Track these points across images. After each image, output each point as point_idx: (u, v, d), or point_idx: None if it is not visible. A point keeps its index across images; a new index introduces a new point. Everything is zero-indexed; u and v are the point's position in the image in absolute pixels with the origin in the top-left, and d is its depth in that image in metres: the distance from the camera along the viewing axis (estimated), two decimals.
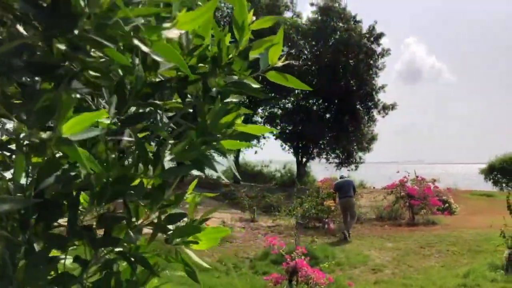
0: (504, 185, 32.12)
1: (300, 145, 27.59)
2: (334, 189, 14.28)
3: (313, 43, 26.22)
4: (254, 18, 1.44)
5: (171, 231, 1.43)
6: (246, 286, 8.26)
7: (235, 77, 1.44)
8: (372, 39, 25.64)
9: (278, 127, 27.75)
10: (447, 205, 18.21)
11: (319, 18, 25.62)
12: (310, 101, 27.08)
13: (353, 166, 28.15)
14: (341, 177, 14.92)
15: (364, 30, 25.79)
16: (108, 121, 1.21)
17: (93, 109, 1.27)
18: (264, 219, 16.24)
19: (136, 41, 1.15)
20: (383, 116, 27.29)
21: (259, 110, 27.73)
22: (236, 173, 1.67)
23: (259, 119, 28.02)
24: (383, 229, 15.03)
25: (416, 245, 12.20)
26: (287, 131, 27.66)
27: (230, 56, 1.41)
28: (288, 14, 25.74)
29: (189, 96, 1.43)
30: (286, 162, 30.08)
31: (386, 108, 26.77)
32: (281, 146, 28.27)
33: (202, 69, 1.41)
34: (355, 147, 27.42)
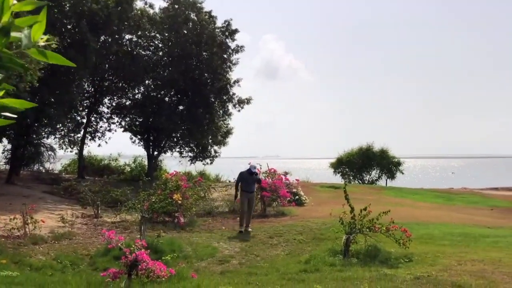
0: (351, 177, 34.52)
1: (151, 138, 26.49)
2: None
3: (165, 33, 25.31)
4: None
5: None
6: (81, 283, 7.55)
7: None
8: (227, 33, 25.46)
9: (127, 119, 26.37)
10: (297, 197, 18.70)
11: (171, 6, 24.84)
12: (162, 92, 26.03)
13: (208, 160, 27.90)
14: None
15: (219, 24, 25.60)
16: None
17: None
18: (109, 214, 15.27)
19: None
20: (239, 110, 27.20)
21: (106, 100, 26.09)
22: None
23: (106, 110, 26.50)
24: (235, 221, 14.97)
25: (265, 235, 12.34)
26: (137, 123, 26.40)
27: None
28: (139, 4, 24.65)
29: None
30: (136, 156, 28.88)
31: (241, 102, 26.78)
32: (131, 139, 26.88)
33: None
34: (210, 141, 27.11)
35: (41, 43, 1.56)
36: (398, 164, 34.48)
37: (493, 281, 6.62)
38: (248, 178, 13.67)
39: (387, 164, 34.11)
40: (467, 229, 12.54)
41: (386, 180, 34.35)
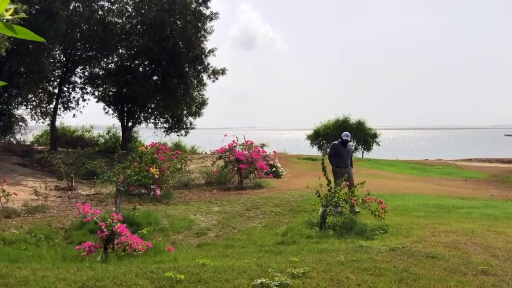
0: (328, 149, 34.57)
1: (125, 108, 26.04)
2: None
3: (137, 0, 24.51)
4: None
5: None
6: (56, 257, 7.46)
7: None
8: (200, 0, 24.88)
9: (100, 89, 25.78)
10: (274, 169, 18.71)
11: None
12: (135, 62, 25.48)
13: (183, 132, 27.60)
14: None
15: None
16: None
17: None
18: (84, 187, 15.03)
19: None
20: (213, 81, 26.85)
21: (78, 70, 25.43)
22: None
23: (78, 80, 25.85)
24: (212, 193, 14.94)
25: (242, 208, 12.28)
26: (110, 93, 25.87)
27: None
28: None
29: None
30: (110, 127, 28.39)
31: (216, 73, 26.39)
32: (104, 109, 26.41)
33: None
34: (185, 112, 26.76)
35: (7, 17, 1.45)
36: (375, 136, 34.68)
37: (466, 252, 6.70)
38: (342, 150, 11.64)
39: (363, 136, 34.27)
40: (441, 200, 12.73)
41: (363, 152, 34.60)
